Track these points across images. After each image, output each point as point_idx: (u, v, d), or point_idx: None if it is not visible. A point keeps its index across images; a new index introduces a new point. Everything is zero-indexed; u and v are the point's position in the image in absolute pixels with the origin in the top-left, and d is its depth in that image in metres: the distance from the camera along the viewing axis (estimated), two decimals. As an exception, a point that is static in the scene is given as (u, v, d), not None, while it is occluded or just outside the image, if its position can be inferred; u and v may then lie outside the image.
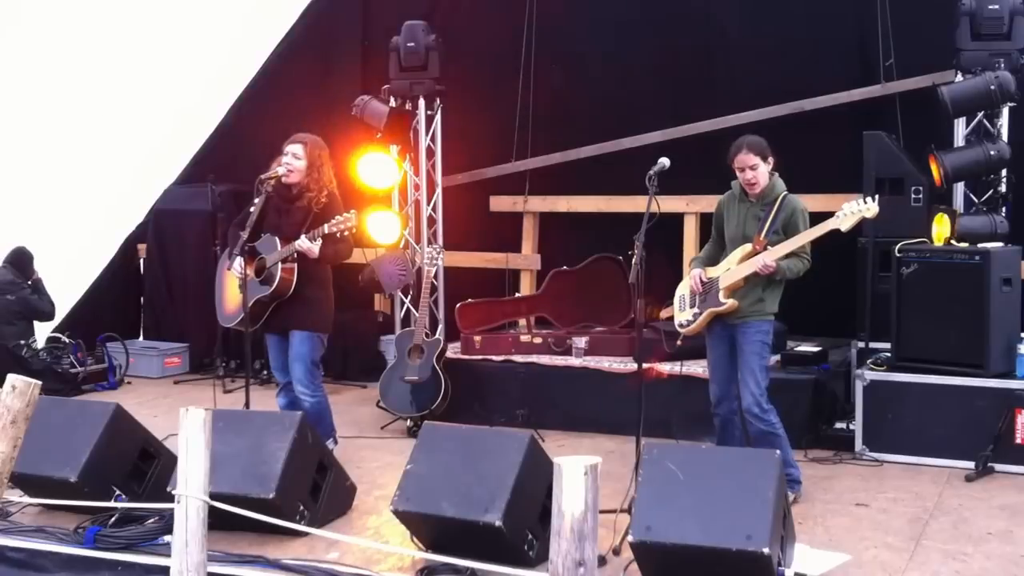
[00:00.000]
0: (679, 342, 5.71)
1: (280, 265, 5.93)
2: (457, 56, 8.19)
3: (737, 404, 5.52)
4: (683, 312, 5.62)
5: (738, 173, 5.43)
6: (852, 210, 5.27)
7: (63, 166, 9.93)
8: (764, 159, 5.39)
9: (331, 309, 6.19)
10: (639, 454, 4.73)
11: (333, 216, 5.93)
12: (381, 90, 8.05)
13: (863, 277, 6.72)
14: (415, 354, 6.98)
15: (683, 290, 5.67)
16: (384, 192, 8.07)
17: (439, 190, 8.19)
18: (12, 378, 4.31)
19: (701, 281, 5.50)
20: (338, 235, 5.91)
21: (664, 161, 5.35)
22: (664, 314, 6.12)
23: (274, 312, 6.04)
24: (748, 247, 5.39)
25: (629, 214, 7.29)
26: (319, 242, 5.87)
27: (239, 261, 5.93)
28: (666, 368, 6.74)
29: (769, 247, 5.33)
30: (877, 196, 5.40)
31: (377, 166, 7.99)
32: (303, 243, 5.86)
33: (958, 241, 6.45)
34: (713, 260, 5.59)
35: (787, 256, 5.31)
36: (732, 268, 5.42)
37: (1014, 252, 6.24)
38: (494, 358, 7.32)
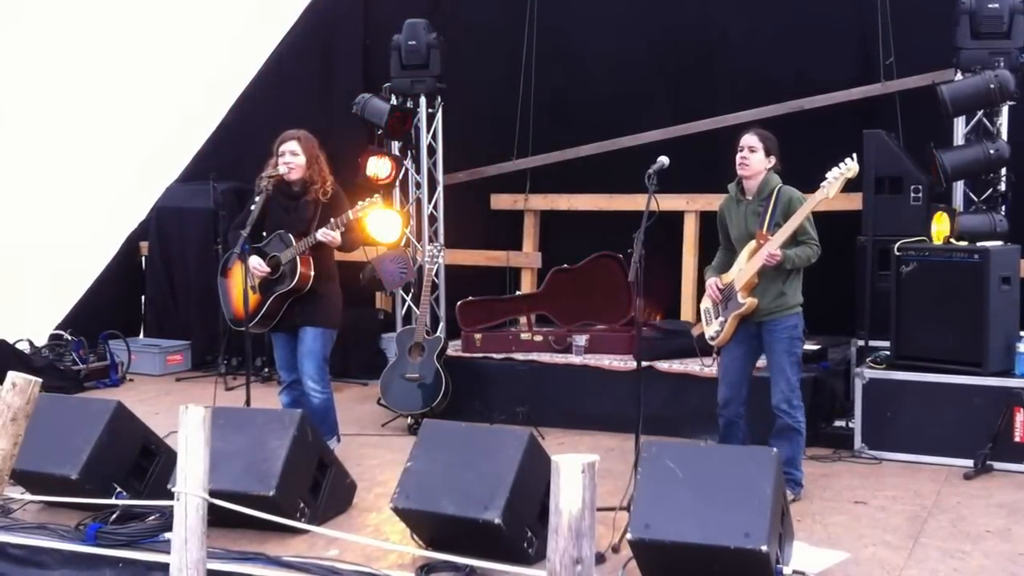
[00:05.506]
0: (715, 354, 5.69)
1: (298, 259, 5.95)
2: (458, 54, 8.20)
3: (744, 408, 5.51)
4: (710, 325, 5.59)
5: (737, 155, 5.44)
6: (835, 175, 5.28)
7: (65, 164, 9.94)
8: (766, 151, 5.39)
9: (340, 305, 6.21)
10: (638, 452, 4.75)
11: (342, 204, 5.96)
12: (382, 88, 8.07)
13: (862, 275, 6.72)
14: (416, 352, 6.99)
15: (706, 304, 5.64)
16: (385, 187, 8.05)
17: (440, 188, 8.21)
18: (12, 375, 4.33)
19: (718, 288, 5.50)
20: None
21: (663, 160, 5.35)
22: (695, 331, 6.11)
23: (285, 309, 6.05)
24: (753, 244, 5.39)
25: (629, 212, 7.30)
26: (341, 230, 5.90)
27: (256, 259, 5.94)
28: (664, 365, 6.76)
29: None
30: (855, 155, 5.38)
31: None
32: (327, 233, 5.87)
33: (957, 240, 6.46)
34: (726, 266, 5.57)
35: (795, 245, 5.32)
36: (743, 267, 5.42)
37: (1013, 251, 6.24)
38: (495, 356, 7.33)
